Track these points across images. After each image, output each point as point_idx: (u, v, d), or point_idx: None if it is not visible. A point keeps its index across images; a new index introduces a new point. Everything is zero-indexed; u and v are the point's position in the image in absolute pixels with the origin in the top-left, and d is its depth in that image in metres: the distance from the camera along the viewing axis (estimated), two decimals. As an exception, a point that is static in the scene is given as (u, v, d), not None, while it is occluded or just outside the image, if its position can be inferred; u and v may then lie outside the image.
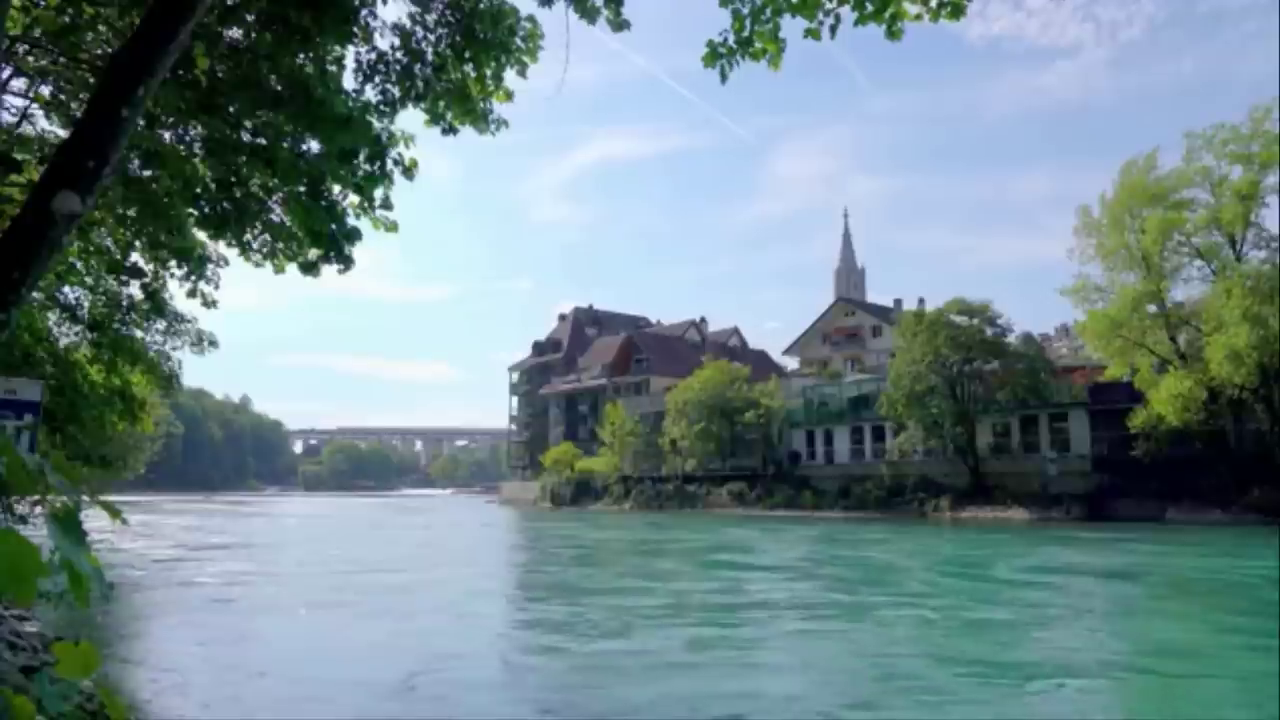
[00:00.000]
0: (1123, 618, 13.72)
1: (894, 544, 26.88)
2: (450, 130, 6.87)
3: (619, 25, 5.96)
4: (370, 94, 6.75)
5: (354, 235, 7.18)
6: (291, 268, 7.52)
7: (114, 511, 1.34)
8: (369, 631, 11.74)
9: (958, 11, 4.87)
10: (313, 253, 7.32)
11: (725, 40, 5.16)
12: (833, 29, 5.02)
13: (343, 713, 7.74)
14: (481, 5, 6.51)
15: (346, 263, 7.25)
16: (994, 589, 16.34)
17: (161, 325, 12.86)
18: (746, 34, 5.15)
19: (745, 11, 5.13)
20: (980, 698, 8.09)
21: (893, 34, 5.00)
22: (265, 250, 7.63)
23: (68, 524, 1.08)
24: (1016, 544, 26.11)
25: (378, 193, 7.02)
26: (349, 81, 6.83)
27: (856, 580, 18.14)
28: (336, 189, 7.06)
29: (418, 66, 6.67)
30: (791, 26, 5.15)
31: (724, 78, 5.21)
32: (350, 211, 7.16)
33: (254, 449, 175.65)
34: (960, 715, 7.50)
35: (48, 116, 8.50)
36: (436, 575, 20.01)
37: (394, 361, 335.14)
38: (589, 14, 5.92)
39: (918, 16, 4.92)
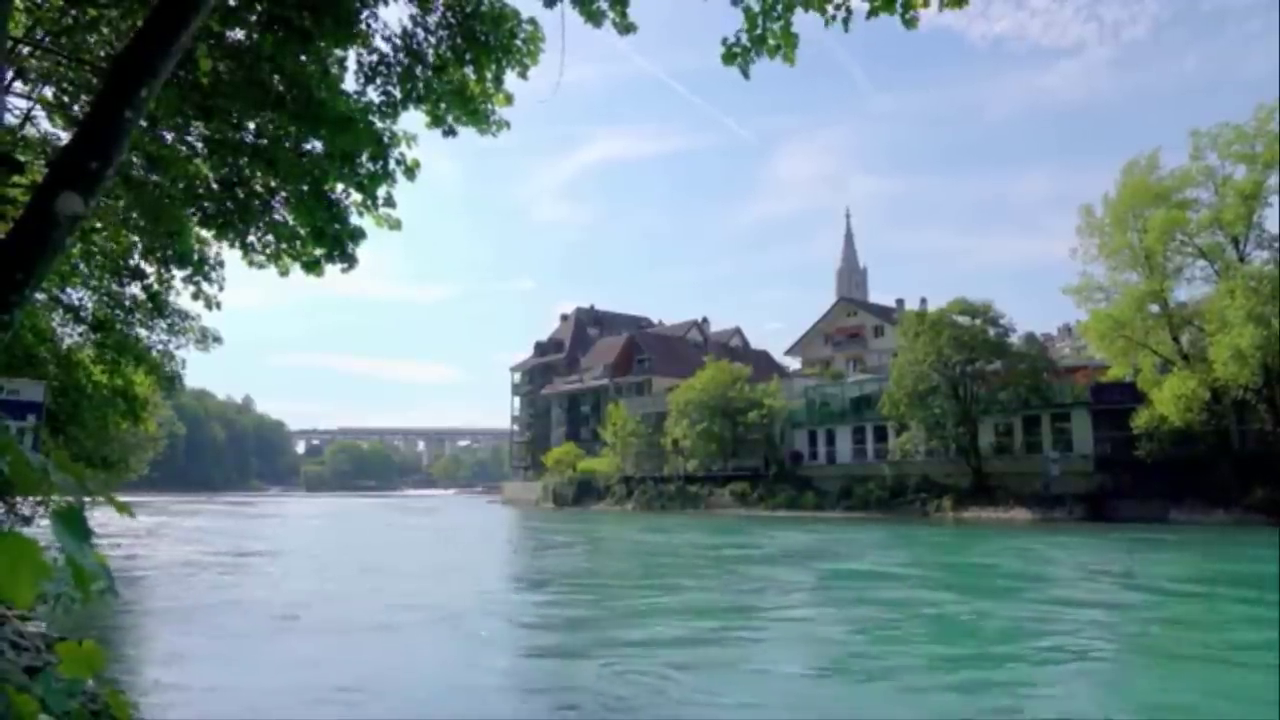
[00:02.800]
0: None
1: (973, 548, 25.34)
2: (451, 132, 6.85)
3: (626, 28, 5.76)
4: (372, 95, 6.76)
5: (358, 235, 7.19)
6: (295, 267, 7.53)
7: (121, 506, 1.35)
8: (452, 661, 10.39)
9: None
10: (316, 251, 7.32)
11: (739, 40, 5.17)
12: (845, 21, 4.98)
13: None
14: (482, 8, 6.50)
15: (350, 261, 7.27)
16: (1202, 606, 14.77)
17: (164, 325, 12.85)
18: (759, 31, 5.16)
19: (757, 9, 5.13)
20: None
21: (908, 23, 4.96)
22: (269, 251, 7.63)
23: (71, 520, 1.08)
24: (1103, 548, 24.43)
25: (380, 191, 7.02)
26: (351, 83, 6.85)
27: (1025, 592, 16.19)
28: (339, 188, 7.06)
29: (419, 68, 6.66)
30: (802, 21, 5.17)
31: (746, 74, 5.25)
32: (353, 210, 7.17)
33: (256, 449, 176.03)
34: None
35: (51, 118, 8.53)
36: (501, 589, 18.27)
37: (396, 362, 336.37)
38: (594, 17, 5.74)
39: (925, 3, 4.86)
